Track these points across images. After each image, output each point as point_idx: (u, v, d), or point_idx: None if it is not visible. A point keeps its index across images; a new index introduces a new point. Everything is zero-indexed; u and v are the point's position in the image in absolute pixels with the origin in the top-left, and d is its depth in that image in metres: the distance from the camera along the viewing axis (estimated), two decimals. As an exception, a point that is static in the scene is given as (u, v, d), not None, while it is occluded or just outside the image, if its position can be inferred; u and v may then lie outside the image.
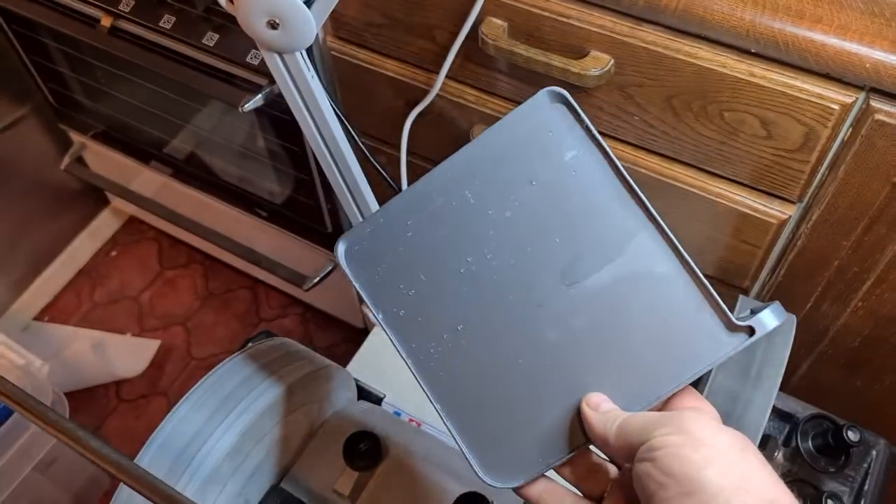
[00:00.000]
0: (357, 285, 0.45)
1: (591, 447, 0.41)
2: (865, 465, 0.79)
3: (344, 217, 1.11)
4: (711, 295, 0.40)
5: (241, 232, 1.29)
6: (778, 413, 0.82)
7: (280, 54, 0.59)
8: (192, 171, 1.25)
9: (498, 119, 0.79)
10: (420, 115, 0.84)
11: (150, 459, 0.59)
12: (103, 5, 0.99)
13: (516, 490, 0.42)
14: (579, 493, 0.42)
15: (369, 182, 0.74)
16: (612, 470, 0.42)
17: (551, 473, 0.42)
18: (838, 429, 0.77)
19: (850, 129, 0.63)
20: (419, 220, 0.44)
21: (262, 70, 0.91)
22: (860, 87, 0.60)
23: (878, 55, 0.57)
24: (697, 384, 0.60)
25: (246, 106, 0.89)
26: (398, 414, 0.87)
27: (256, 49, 0.92)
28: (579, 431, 0.40)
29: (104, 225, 1.62)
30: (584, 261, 0.41)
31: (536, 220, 0.42)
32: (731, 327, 0.40)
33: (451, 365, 0.43)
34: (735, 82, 0.64)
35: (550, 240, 0.41)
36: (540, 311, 0.41)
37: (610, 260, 0.40)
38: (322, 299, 1.46)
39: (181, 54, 0.97)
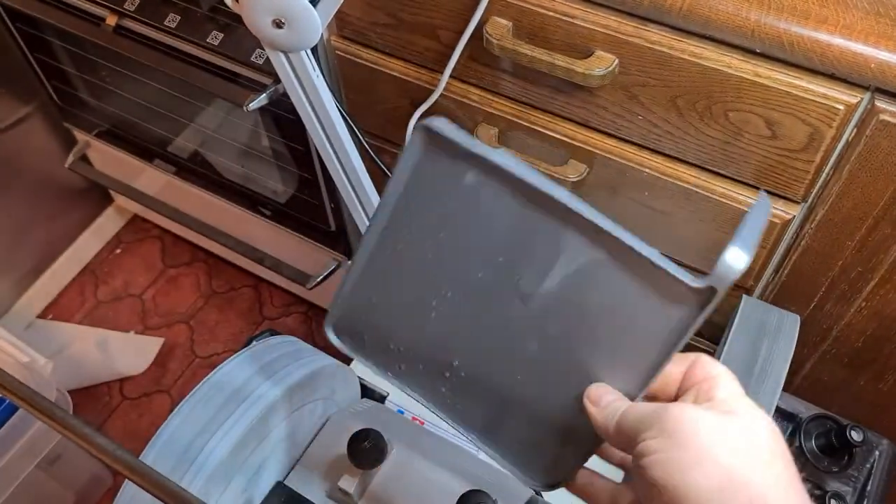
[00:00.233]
0: (358, 359, 0.48)
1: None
2: (869, 465, 0.79)
3: (347, 216, 1.11)
4: (659, 267, 0.37)
5: (244, 230, 1.29)
6: (781, 413, 0.82)
7: (285, 53, 0.60)
8: (195, 170, 1.25)
9: (501, 117, 0.79)
10: (424, 114, 0.84)
11: (154, 456, 0.59)
12: (108, 4, 0.99)
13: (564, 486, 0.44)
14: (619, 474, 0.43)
15: (373, 181, 0.74)
16: None
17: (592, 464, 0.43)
18: (842, 429, 0.77)
19: (855, 130, 0.63)
20: (376, 282, 0.45)
21: (267, 69, 0.92)
22: (865, 88, 0.60)
23: (884, 55, 0.57)
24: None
25: (250, 105, 0.89)
26: (401, 412, 0.87)
27: (261, 48, 0.92)
28: None
29: (108, 223, 1.62)
30: (529, 272, 0.40)
31: (472, 248, 0.42)
32: (693, 291, 0.37)
33: (464, 396, 0.45)
34: (740, 82, 0.64)
35: (494, 261, 0.41)
36: (512, 329, 0.42)
37: (552, 263, 0.39)
38: (325, 298, 1.46)
39: (186, 53, 0.98)
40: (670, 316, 0.37)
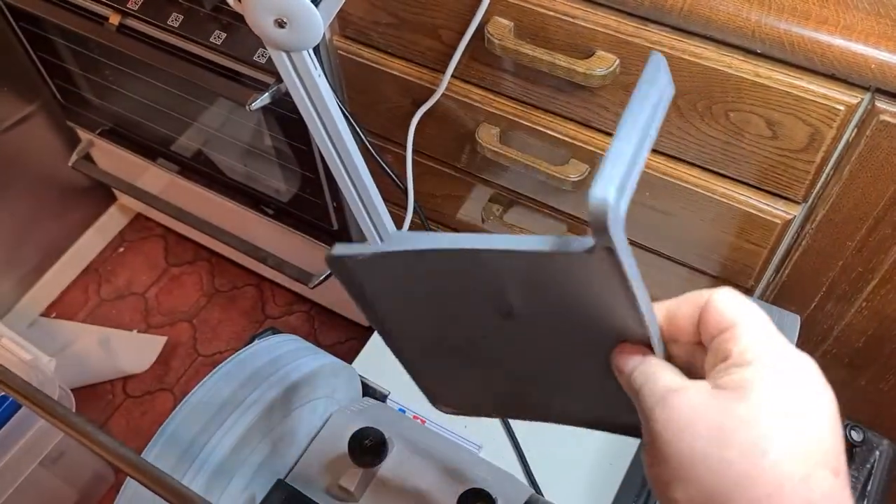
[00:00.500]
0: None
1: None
2: (869, 466, 0.79)
3: (349, 215, 1.11)
4: (545, 253, 0.32)
5: (247, 229, 1.30)
6: (781, 413, 0.82)
7: (287, 53, 0.60)
8: (198, 169, 1.25)
9: (503, 117, 0.79)
10: (426, 114, 0.84)
11: (156, 454, 0.60)
12: (112, 3, 0.99)
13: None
14: None
15: (375, 181, 0.74)
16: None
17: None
18: (842, 429, 0.77)
19: (856, 130, 0.63)
20: (431, 372, 0.49)
21: (269, 68, 0.92)
22: (865, 88, 0.61)
23: (884, 56, 0.57)
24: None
25: (253, 104, 0.90)
26: (403, 411, 0.87)
27: (263, 47, 0.92)
28: None
29: (111, 222, 1.63)
30: (505, 301, 0.39)
31: (456, 308, 0.41)
32: (592, 252, 0.30)
33: (541, 402, 0.45)
34: (740, 82, 0.64)
35: (481, 305, 0.40)
36: (510, 348, 0.42)
37: (503, 289, 0.37)
38: (328, 297, 1.46)
39: (189, 52, 0.98)
40: (599, 280, 0.32)
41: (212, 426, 0.62)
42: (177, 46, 0.98)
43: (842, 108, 0.61)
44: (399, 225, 0.82)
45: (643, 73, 0.30)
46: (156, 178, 1.36)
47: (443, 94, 0.82)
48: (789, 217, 0.72)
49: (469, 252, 0.35)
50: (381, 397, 0.86)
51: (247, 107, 0.90)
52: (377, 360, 0.93)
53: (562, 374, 0.42)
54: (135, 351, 1.48)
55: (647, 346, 0.35)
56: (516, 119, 0.80)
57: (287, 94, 0.68)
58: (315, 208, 1.13)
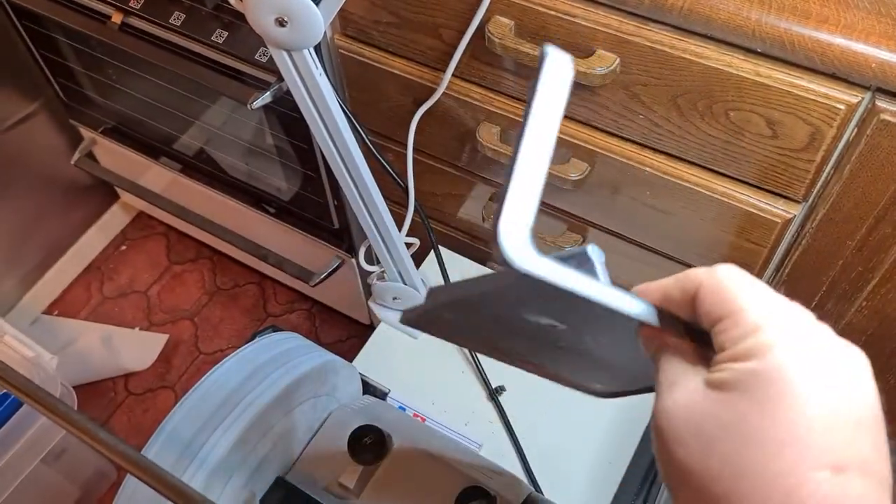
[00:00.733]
0: None
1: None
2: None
3: (351, 214, 1.11)
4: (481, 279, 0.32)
5: (248, 228, 1.30)
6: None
7: (288, 52, 0.60)
8: (200, 168, 1.26)
9: (503, 116, 0.79)
10: (427, 112, 0.84)
11: (156, 451, 0.60)
12: (114, 2, 0.99)
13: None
14: None
15: (376, 179, 0.75)
16: None
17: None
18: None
19: (856, 129, 0.63)
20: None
21: (271, 67, 0.92)
22: (866, 87, 0.61)
23: (885, 55, 0.57)
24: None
25: (254, 103, 0.90)
26: (402, 409, 0.87)
27: (265, 46, 0.93)
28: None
29: (113, 220, 1.63)
30: (525, 315, 0.40)
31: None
32: (521, 278, 0.29)
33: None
34: (741, 82, 0.64)
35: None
36: (577, 340, 0.41)
37: (520, 309, 0.39)
38: (329, 295, 1.46)
39: (191, 51, 0.98)
40: (545, 296, 0.31)
41: (212, 424, 0.62)
42: (178, 45, 0.99)
43: (842, 107, 0.61)
44: (399, 224, 0.82)
45: (539, 77, 0.29)
46: (158, 176, 1.36)
47: (443, 93, 0.82)
48: (789, 216, 0.72)
49: (483, 295, 0.35)
50: (382, 395, 0.86)
51: (248, 105, 0.90)
52: (377, 358, 0.93)
53: (599, 356, 0.42)
54: (136, 349, 1.48)
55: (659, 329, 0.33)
56: (517, 118, 0.80)
57: (288, 92, 0.68)
58: (316, 207, 1.13)
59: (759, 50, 0.62)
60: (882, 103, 0.60)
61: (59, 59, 1.21)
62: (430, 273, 0.99)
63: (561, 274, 0.29)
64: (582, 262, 0.33)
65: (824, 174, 0.68)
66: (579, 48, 0.70)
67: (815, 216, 0.72)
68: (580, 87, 0.73)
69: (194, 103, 1.12)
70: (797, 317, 0.28)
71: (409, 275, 0.88)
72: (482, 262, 1.05)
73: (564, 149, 0.80)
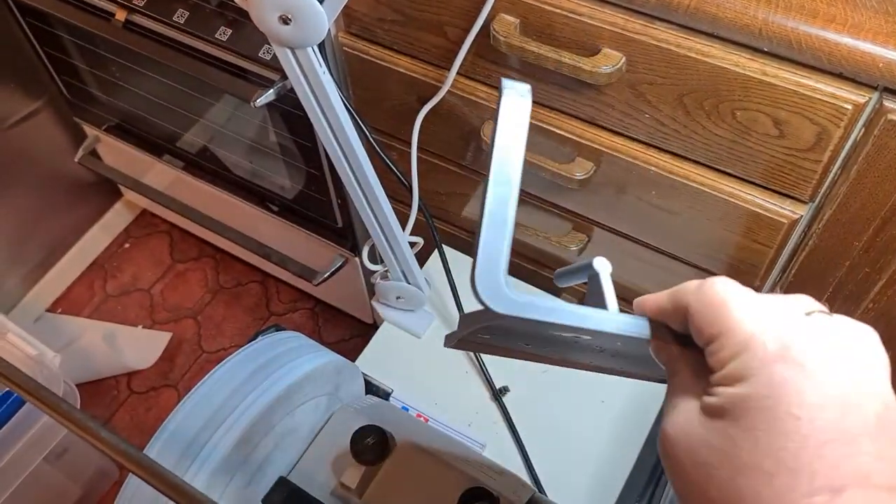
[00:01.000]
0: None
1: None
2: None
3: (354, 212, 1.11)
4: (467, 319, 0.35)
5: (251, 226, 1.30)
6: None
7: (292, 50, 0.60)
8: (204, 166, 1.25)
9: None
10: (431, 111, 0.84)
11: (158, 450, 0.60)
12: (118, -1, 1.00)
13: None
14: None
15: (379, 177, 0.74)
16: None
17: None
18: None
19: (863, 129, 0.63)
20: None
21: (275, 65, 0.92)
22: (873, 87, 0.60)
23: (892, 55, 0.57)
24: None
25: (258, 101, 0.90)
26: (405, 409, 0.87)
27: (269, 44, 0.92)
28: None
29: (117, 218, 1.63)
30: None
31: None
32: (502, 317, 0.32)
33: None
34: (747, 81, 0.63)
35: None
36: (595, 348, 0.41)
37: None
38: (332, 294, 1.46)
39: (194, 49, 0.98)
40: (524, 327, 0.35)
41: (214, 423, 0.62)
42: (182, 43, 0.98)
43: (849, 107, 0.61)
44: (403, 223, 0.82)
45: (499, 112, 0.32)
46: (161, 174, 1.36)
47: (448, 92, 0.81)
48: (796, 217, 0.72)
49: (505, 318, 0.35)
50: (384, 395, 0.86)
51: (252, 103, 0.90)
52: (380, 357, 0.93)
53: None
54: (139, 347, 1.48)
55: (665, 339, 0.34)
56: (522, 117, 0.80)
57: (292, 90, 0.68)
58: (320, 205, 1.13)
59: (765, 49, 0.61)
60: (889, 103, 0.60)
61: (63, 56, 1.21)
62: (433, 272, 0.98)
63: (534, 309, 0.31)
64: (588, 274, 0.34)
65: (831, 174, 0.68)
66: (585, 46, 0.69)
67: (821, 217, 0.71)
68: (586, 86, 0.73)
69: (198, 101, 1.12)
70: (790, 325, 0.27)
71: (412, 274, 0.87)
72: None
73: (570, 148, 0.80)
